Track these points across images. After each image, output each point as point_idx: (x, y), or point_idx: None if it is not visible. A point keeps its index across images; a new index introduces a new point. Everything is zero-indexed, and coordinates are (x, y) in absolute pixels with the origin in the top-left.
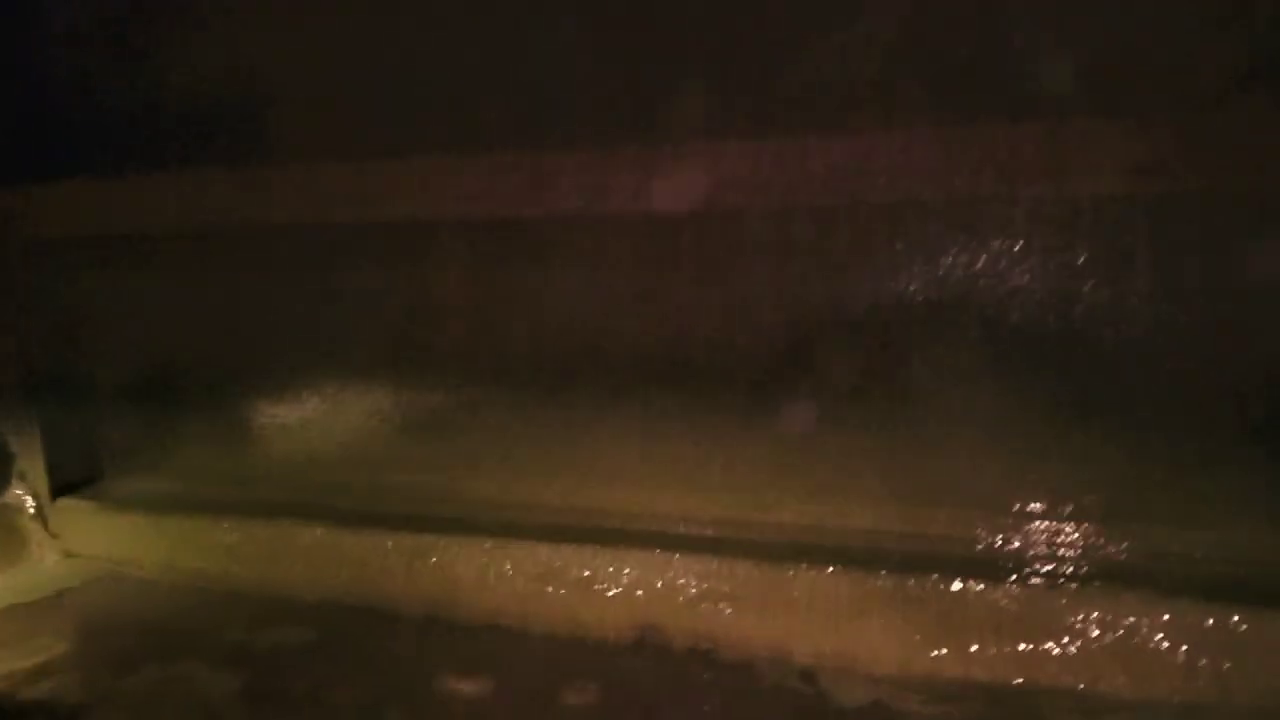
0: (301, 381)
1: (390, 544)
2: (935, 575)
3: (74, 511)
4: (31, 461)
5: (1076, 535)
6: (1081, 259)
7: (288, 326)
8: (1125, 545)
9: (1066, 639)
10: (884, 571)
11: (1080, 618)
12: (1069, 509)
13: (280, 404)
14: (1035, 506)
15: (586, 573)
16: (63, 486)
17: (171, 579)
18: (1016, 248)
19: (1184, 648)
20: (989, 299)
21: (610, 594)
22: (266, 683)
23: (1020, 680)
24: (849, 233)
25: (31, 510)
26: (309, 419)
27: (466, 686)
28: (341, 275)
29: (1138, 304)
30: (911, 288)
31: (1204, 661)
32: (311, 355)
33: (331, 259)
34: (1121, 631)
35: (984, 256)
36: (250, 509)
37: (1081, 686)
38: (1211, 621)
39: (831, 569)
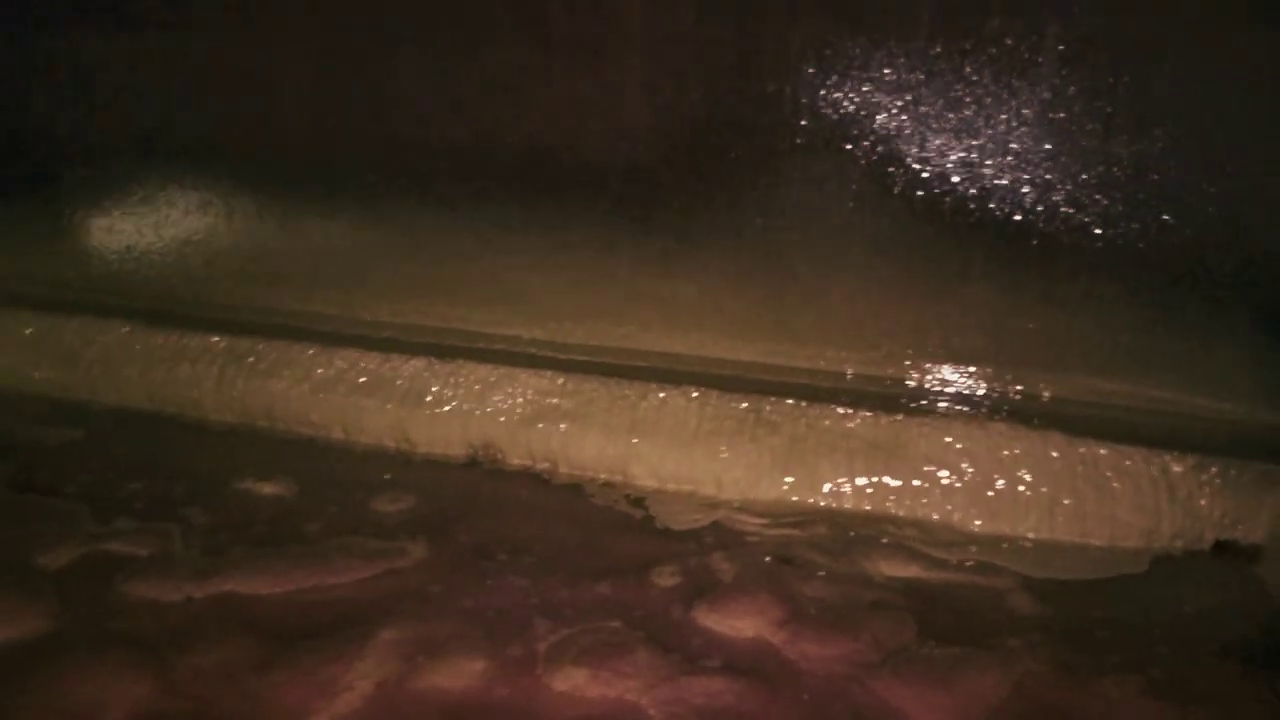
0: (123, 170)
1: (199, 344)
2: (791, 400)
3: None
4: None
5: (945, 373)
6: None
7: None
8: (995, 387)
9: (922, 468)
10: (738, 393)
11: (938, 448)
12: (941, 346)
13: (99, 196)
14: (907, 344)
15: (417, 385)
16: None
17: None
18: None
19: (1045, 482)
20: (879, 127)
21: (442, 408)
22: (40, 478)
23: (870, 508)
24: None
25: None
26: (130, 213)
27: (268, 489)
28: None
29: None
30: (799, 100)
31: (1066, 498)
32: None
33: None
34: (981, 464)
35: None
36: (49, 304)
37: (934, 518)
38: (1077, 456)
39: (681, 388)
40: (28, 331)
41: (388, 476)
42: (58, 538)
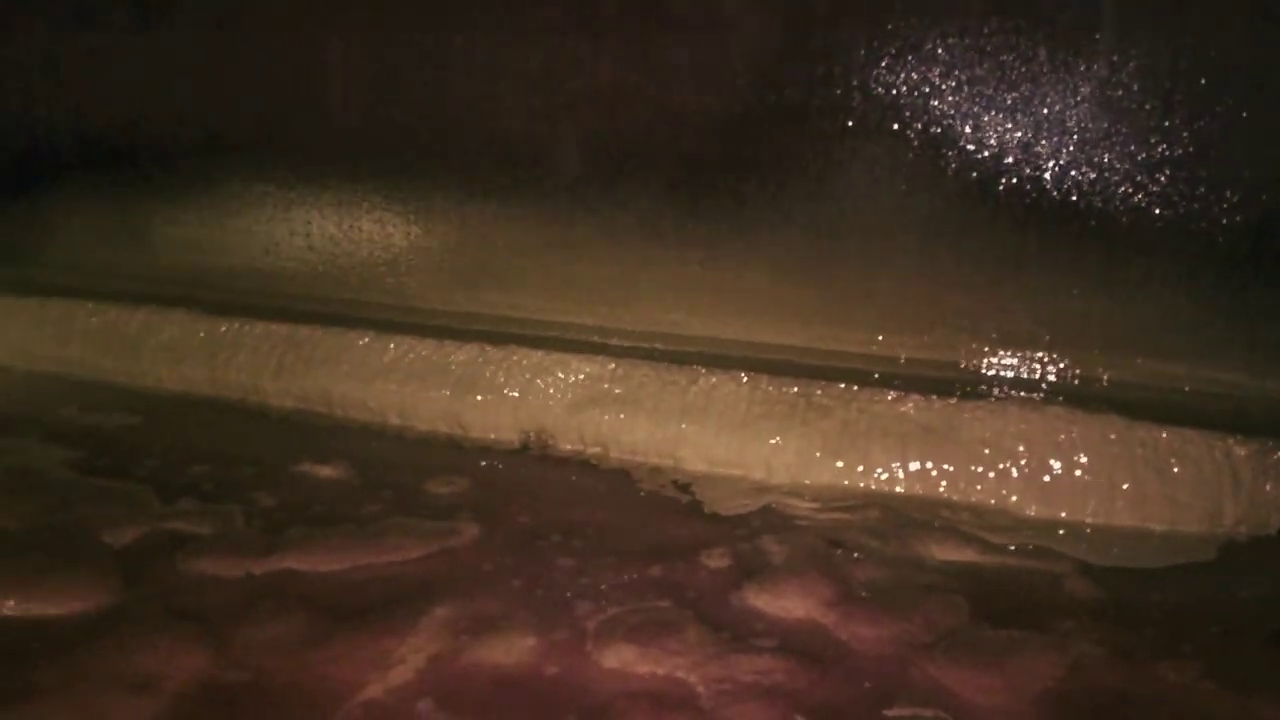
0: (185, 168)
1: (260, 332)
2: (843, 384)
3: None
4: None
5: (1000, 359)
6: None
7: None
8: (1051, 370)
9: (977, 452)
10: (788, 377)
11: (993, 431)
12: (996, 329)
13: (162, 192)
14: (960, 328)
15: (471, 371)
16: None
17: (26, 366)
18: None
19: (1104, 466)
20: (931, 109)
21: (495, 394)
22: (106, 462)
23: (923, 493)
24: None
25: None
26: (189, 207)
27: (326, 471)
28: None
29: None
30: (849, 83)
31: (1126, 485)
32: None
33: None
34: (1037, 447)
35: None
36: (112, 295)
37: (990, 503)
38: (1136, 439)
39: (731, 373)
40: (93, 321)
41: (441, 461)
42: (124, 517)
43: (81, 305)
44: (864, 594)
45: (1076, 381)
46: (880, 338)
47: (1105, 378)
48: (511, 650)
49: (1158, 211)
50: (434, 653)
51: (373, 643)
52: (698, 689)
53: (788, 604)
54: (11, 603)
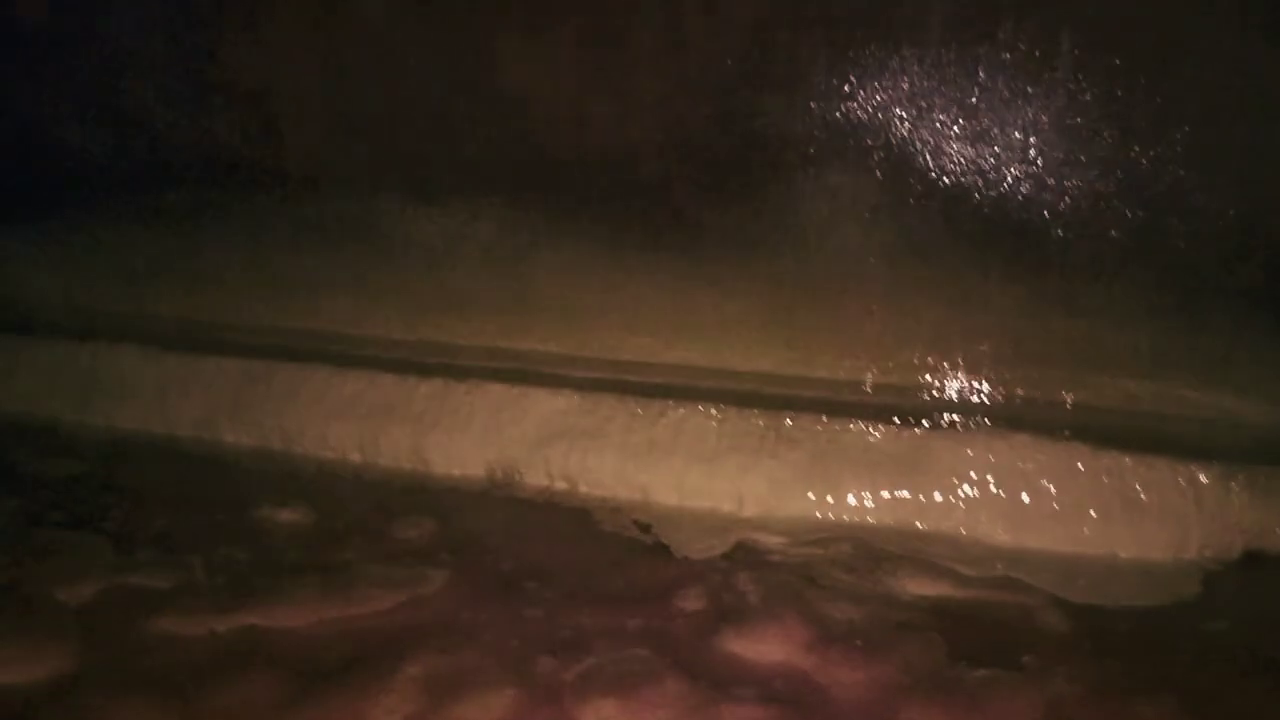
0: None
1: (214, 370)
2: (812, 414)
3: None
4: None
5: (966, 383)
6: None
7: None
8: (1017, 394)
9: (946, 482)
10: (758, 410)
11: (961, 461)
12: (960, 357)
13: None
14: (927, 353)
15: (433, 406)
16: None
17: None
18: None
19: (1070, 495)
20: (892, 136)
21: (459, 430)
22: (57, 511)
23: (894, 524)
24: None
25: None
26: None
27: (286, 516)
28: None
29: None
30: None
31: (1092, 510)
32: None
33: None
34: (1004, 477)
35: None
36: (54, 329)
37: (960, 533)
38: (1102, 467)
39: (702, 406)
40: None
41: (405, 500)
42: (80, 571)
43: (24, 341)
44: (841, 634)
45: (1042, 405)
46: (846, 363)
47: (1070, 400)
48: (489, 708)
49: (1118, 236)
50: (409, 713)
51: (345, 706)
52: None
53: (766, 648)
54: None
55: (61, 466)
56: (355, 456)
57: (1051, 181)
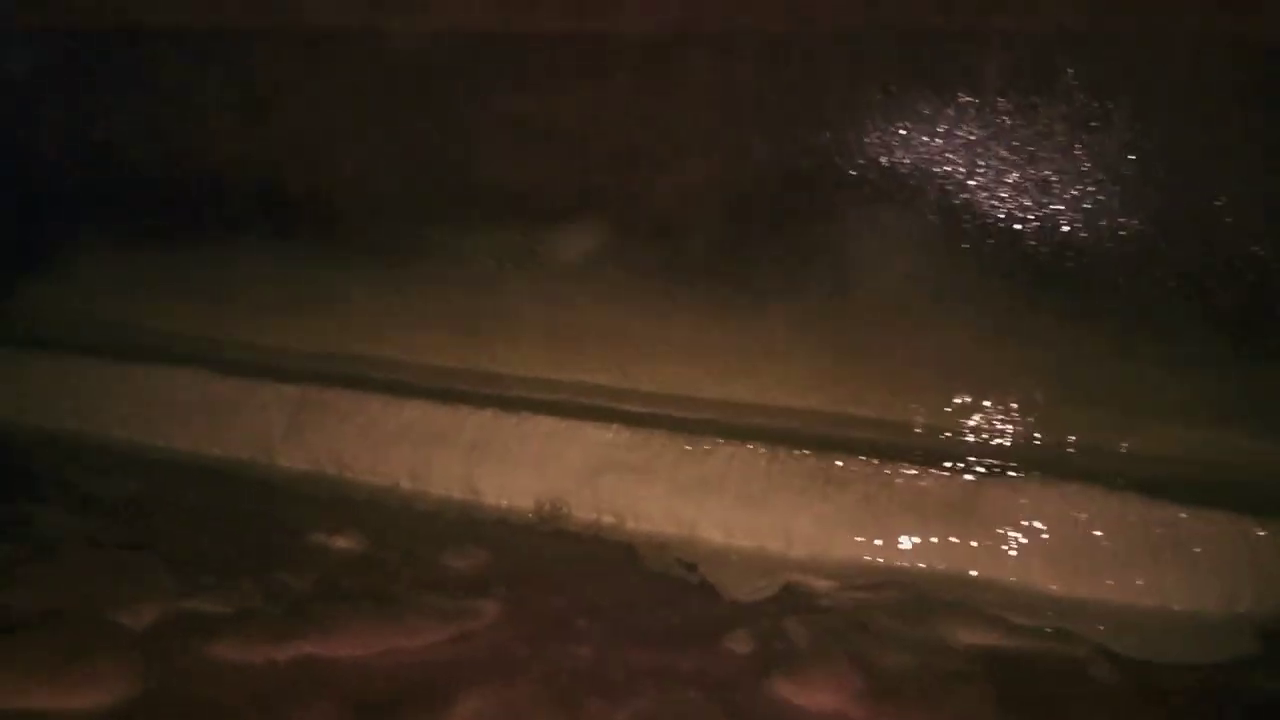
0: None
1: (270, 395)
2: (863, 457)
3: None
4: None
5: (1017, 426)
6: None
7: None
8: (1069, 439)
9: (997, 530)
10: (808, 450)
11: (1012, 509)
12: (1012, 399)
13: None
14: (977, 394)
15: (484, 437)
16: None
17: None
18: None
19: (1123, 545)
20: (940, 175)
21: (509, 461)
22: (116, 533)
23: (944, 570)
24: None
25: None
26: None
27: (340, 543)
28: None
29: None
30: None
31: (1144, 561)
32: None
33: None
34: (1055, 525)
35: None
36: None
37: (1011, 580)
38: (1155, 518)
39: (751, 445)
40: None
41: (457, 530)
42: (141, 595)
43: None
44: (892, 683)
45: (1096, 451)
46: (897, 402)
47: (1123, 447)
48: None
49: (1175, 285)
50: None
51: None
52: None
53: (817, 695)
54: (36, 695)
55: (118, 486)
56: (406, 484)
57: (1106, 225)
